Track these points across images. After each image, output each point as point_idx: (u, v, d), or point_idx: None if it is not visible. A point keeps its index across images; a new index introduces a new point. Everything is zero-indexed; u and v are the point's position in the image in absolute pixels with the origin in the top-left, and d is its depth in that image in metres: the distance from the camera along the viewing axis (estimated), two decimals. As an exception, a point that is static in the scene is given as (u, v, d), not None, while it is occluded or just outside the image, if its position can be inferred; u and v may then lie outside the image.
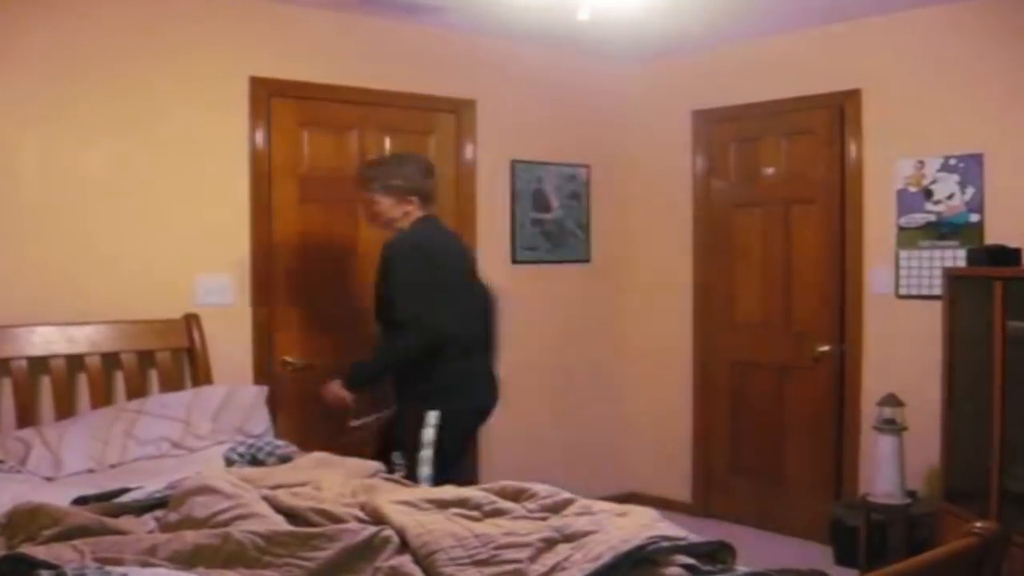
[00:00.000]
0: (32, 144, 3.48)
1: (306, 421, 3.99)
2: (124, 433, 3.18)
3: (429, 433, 3.23)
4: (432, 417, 3.24)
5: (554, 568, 1.96)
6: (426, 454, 3.23)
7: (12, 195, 3.44)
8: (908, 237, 4.22)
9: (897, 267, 4.26)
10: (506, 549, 1.99)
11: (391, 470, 3.09)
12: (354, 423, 3.53)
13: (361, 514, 2.20)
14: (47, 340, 3.38)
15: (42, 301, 3.43)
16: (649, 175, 5.26)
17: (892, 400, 3.94)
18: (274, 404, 3.78)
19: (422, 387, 3.28)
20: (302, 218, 4.13)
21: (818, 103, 4.52)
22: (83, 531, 2.07)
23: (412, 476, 3.14)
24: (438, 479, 3.12)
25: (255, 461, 2.99)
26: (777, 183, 4.75)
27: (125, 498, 2.50)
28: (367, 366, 3.38)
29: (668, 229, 5.17)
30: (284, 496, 2.31)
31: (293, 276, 4.11)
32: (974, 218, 4.02)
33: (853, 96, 4.39)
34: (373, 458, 3.04)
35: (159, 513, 2.34)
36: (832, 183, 4.48)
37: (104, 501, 2.50)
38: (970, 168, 4.02)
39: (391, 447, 3.32)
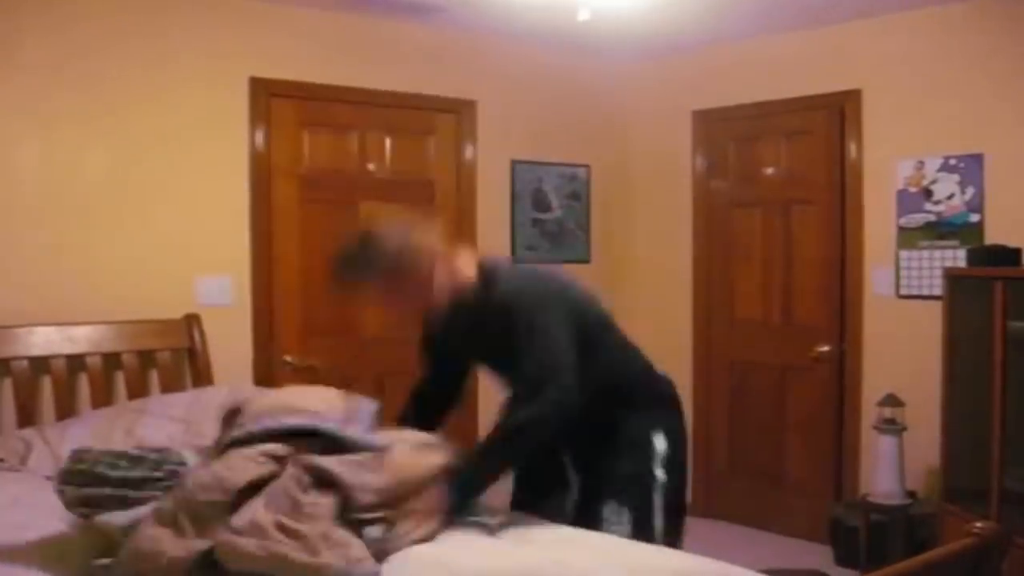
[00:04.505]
0: (33, 145, 3.48)
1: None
2: (125, 433, 3.17)
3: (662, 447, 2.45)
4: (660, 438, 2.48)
5: None
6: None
7: (13, 195, 3.44)
8: (908, 237, 4.22)
9: (897, 267, 4.26)
10: None
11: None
12: None
13: None
14: (48, 340, 3.38)
15: (42, 301, 3.43)
16: (649, 175, 5.26)
17: (892, 400, 3.94)
18: (274, 404, 3.78)
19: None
20: (302, 218, 4.13)
21: (818, 103, 4.51)
22: None
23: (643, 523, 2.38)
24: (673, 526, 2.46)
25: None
26: (777, 183, 4.75)
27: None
28: None
29: (668, 229, 5.17)
30: None
31: (293, 276, 4.11)
32: (974, 218, 4.02)
33: (853, 96, 4.38)
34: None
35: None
36: (832, 183, 4.48)
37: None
38: (970, 168, 4.02)
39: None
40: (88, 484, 2.00)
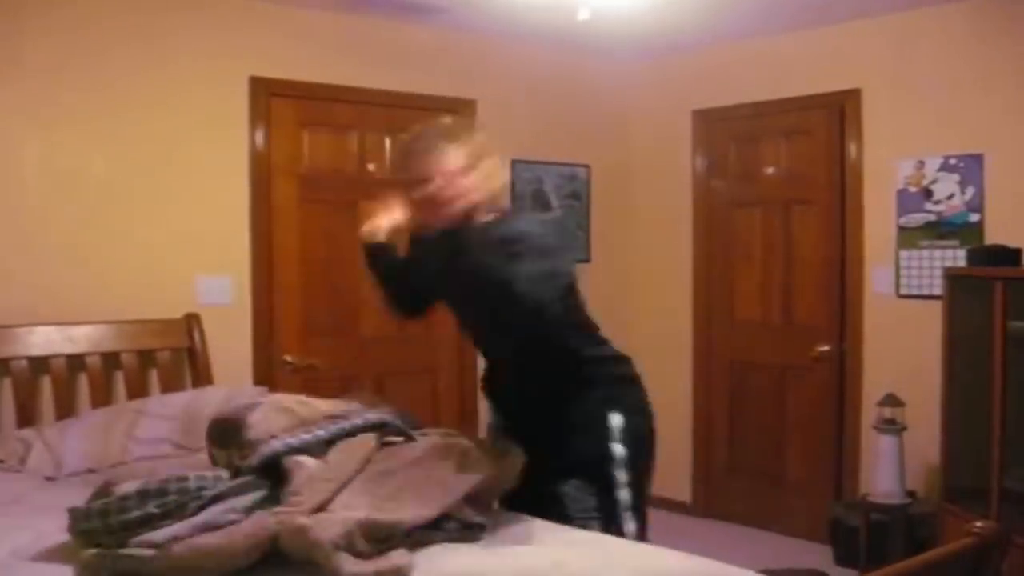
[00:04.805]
0: (33, 145, 3.48)
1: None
2: (124, 433, 3.18)
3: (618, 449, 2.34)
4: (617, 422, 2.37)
5: None
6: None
7: (13, 195, 3.44)
8: (908, 237, 4.22)
9: (897, 267, 4.26)
10: None
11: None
12: None
13: None
14: (47, 340, 3.38)
15: (42, 301, 3.43)
16: (649, 175, 5.26)
17: (892, 400, 3.94)
18: (274, 404, 3.78)
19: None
20: (302, 218, 4.13)
21: (818, 103, 4.52)
22: None
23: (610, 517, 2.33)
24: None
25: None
26: (777, 183, 4.75)
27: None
28: None
29: (668, 229, 5.17)
30: None
31: (293, 276, 4.11)
32: (974, 218, 4.02)
33: (853, 96, 4.38)
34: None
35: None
36: (832, 183, 4.48)
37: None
38: (970, 168, 4.02)
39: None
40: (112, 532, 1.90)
